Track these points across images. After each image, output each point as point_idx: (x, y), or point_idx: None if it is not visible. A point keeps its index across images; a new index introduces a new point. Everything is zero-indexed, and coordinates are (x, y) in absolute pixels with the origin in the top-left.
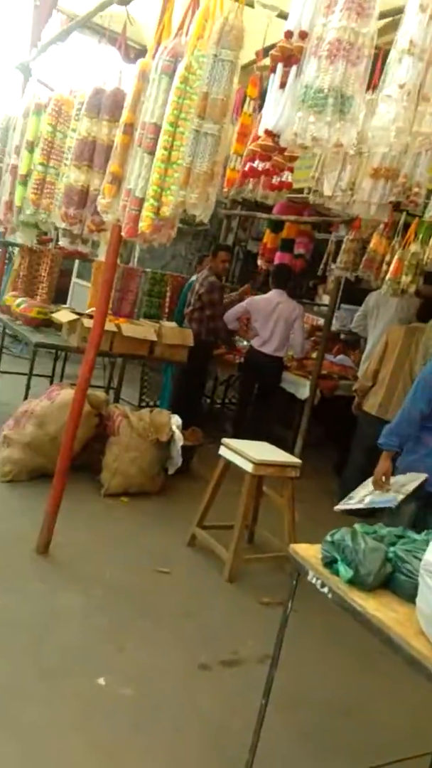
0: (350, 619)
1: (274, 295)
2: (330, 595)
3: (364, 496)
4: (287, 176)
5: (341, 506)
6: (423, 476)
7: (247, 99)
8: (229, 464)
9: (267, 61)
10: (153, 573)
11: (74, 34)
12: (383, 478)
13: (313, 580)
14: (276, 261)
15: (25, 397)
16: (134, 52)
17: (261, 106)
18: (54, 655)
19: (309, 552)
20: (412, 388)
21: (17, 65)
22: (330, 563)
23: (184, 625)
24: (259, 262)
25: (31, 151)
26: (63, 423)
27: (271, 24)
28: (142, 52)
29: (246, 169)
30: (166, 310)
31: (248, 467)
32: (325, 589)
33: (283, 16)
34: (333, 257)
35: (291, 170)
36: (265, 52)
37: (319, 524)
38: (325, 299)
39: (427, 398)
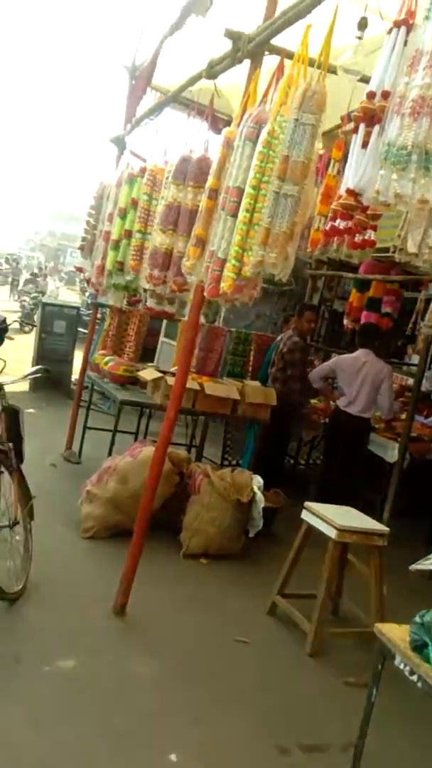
0: None
1: (360, 354)
2: (420, 684)
3: None
4: (370, 234)
5: (417, 566)
6: None
7: (332, 162)
8: (311, 529)
9: (351, 125)
10: (231, 642)
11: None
12: None
13: (401, 666)
14: (362, 320)
15: (109, 453)
16: (221, 122)
17: (344, 168)
18: (126, 723)
19: (396, 633)
20: None
21: (112, 139)
22: (420, 647)
23: (263, 701)
24: (345, 321)
25: (122, 217)
26: (144, 480)
27: (356, 89)
28: (228, 122)
29: (328, 228)
30: (250, 369)
31: (332, 533)
32: (414, 677)
33: (365, 80)
34: (422, 315)
35: (374, 228)
36: (350, 116)
37: (408, 600)
38: (415, 359)
39: None
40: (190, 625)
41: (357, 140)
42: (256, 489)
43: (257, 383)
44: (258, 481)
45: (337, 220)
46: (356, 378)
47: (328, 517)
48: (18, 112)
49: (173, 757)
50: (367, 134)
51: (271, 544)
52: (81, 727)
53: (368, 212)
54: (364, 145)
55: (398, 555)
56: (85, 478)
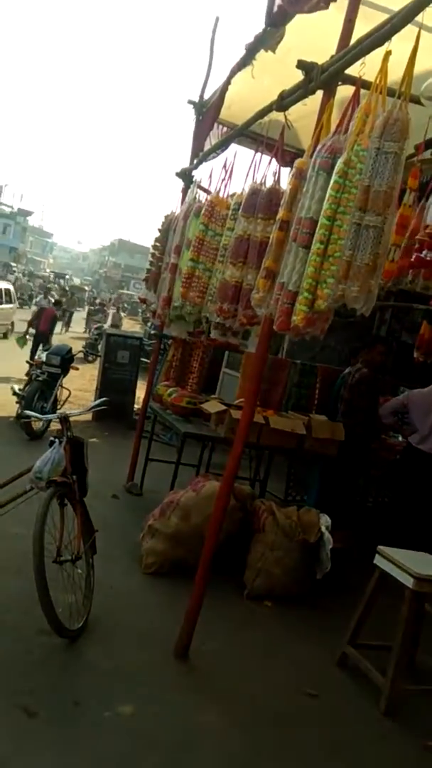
0: None
1: None
2: None
3: None
4: None
5: None
6: None
7: (407, 191)
8: (385, 575)
9: (427, 154)
10: (298, 695)
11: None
12: None
13: None
14: None
15: (172, 487)
16: (289, 155)
17: (420, 198)
18: None
19: None
20: None
21: (178, 173)
22: None
23: (332, 764)
24: (416, 354)
25: (189, 250)
26: (207, 515)
27: None
28: (296, 155)
29: (413, 259)
30: (316, 402)
31: (409, 582)
32: None
33: None
34: None
35: None
36: (426, 144)
37: None
38: None
39: None
40: (254, 672)
41: None
42: (324, 529)
43: (324, 417)
44: (326, 520)
45: (424, 251)
46: (430, 413)
47: (404, 564)
48: (87, 145)
49: None
50: None
51: (339, 588)
52: None
53: None
54: None
55: None
56: (146, 510)
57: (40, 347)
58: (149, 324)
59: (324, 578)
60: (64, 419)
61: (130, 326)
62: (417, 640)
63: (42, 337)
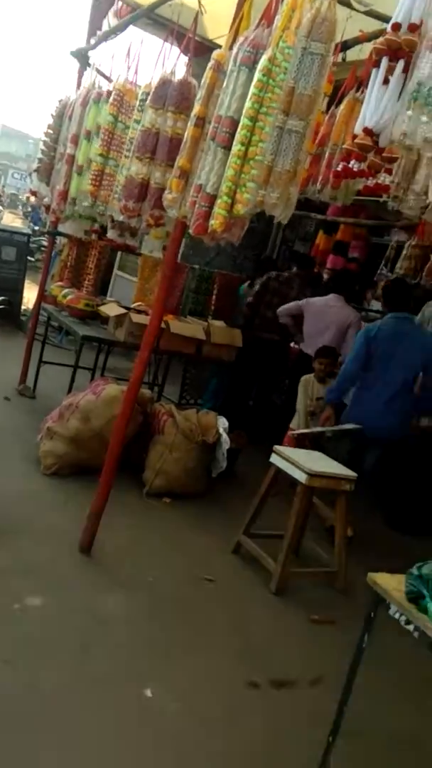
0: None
1: (330, 298)
2: (416, 634)
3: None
4: (384, 178)
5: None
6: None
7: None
8: (279, 472)
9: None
10: (197, 580)
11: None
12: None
13: (396, 615)
14: (329, 264)
15: (69, 390)
16: (199, 46)
17: (330, 104)
18: (98, 660)
19: (390, 583)
20: (351, 351)
21: (73, 52)
22: (416, 599)
23: (231, 638)
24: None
25: (89, 140)
26: (107, 419)
27: (350, 19)
28: (205, 48)
29: (339, 168)
30: (212, 307)
31: (302, 478)
32: (411, 627)
33: (372, 14)
34: (391, 263)
35: (389, 172)
36: (344, 46)
37: (366, 542)
38: (375, 305)
39: (361, 361)
40: (156, 562)
41: (378, 76)
42: (222, 431)
43: (222, 323)
44: (224, 422)
45: (352, 161)
46: (322, 321)
47: (299, 462)
48: None
49: (148, 692)
50: (390, 70)
51: (232, 485)
52: (53, 665)
53: (384, 154)
54: (386, 81)
55: (353, 498)
56: (40, 413)
57: None
58: (31, 219)
59: (219, 475)
60: None
61: (10, 221)
62: (303, 528)
63: None
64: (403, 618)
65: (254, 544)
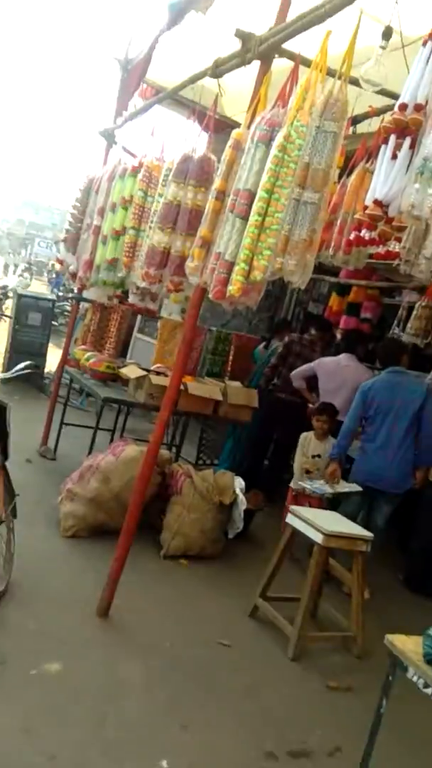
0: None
1: (342, 358)
2: None
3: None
4: (394, 246)
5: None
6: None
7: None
8: (295, 533)
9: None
10: (214, 645)
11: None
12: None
13: (414, 678)
14: (342, 325)
15: (90, 451)
16: (219, 124)
17: (340, 175)
18: (116, 729)
19: (407, 645)
20: (351, 407)
21: (101, 131)
22: None
23: (248, 706)
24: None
25: (114, 212)
26: (127, 480)
27: (359, 97)
28: (223, 125)
29: (352, 237)
30: (229, 369)
31: (318, 538)
32: (429, 690)
33: (383, 92)
34: (403, 323)
35: (398, 240)
36: (354, 121)
37: (383, 600)
38: None
39: (358, 417)
40: (173, 627)
41: (387, 151)
42: (238, 491)
43: (238, 384)
44: (240, 483)
45: (363, 230)
46: (335, 380)
47: (315, 522)
48: None
49: (164, 763)
50: (398, 146)
51: (249, 545)
52: (71, 734)
53: (393, 224)
54: (394, 156)
55: (371, 560)
56: (61, 474)
57: None
58: (54, 284)
59: (235, 537)
60: None
61: (37, 287)
62: (320, 591)
63: None
64: (421, 681)
65: (271, 608)
